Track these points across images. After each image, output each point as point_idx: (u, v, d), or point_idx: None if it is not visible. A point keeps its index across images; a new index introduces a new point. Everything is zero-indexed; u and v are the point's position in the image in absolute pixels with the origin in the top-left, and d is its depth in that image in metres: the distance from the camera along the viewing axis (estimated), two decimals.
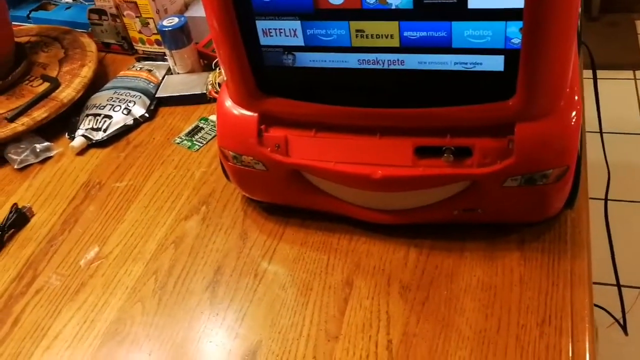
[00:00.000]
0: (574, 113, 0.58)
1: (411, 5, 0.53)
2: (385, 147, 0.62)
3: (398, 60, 0.57)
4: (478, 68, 0.55)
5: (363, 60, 0.58)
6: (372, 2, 0.53)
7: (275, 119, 0.64)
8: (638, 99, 2.08)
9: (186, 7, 1.08)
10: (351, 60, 0.58)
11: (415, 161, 0.61)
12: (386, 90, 0.60)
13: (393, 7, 0.53)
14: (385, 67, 0.58)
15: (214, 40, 0.61)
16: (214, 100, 0.95)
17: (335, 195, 0.69)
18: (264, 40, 0.59)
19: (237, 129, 0.66)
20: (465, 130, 0.59)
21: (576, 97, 0.59)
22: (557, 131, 0.58)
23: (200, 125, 0.92)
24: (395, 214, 0.67)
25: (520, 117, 0.57)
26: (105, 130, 0.92)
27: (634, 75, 2.15)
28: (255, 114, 0.65)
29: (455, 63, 0.56)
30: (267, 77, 0.62)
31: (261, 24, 0.58)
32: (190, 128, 0.91)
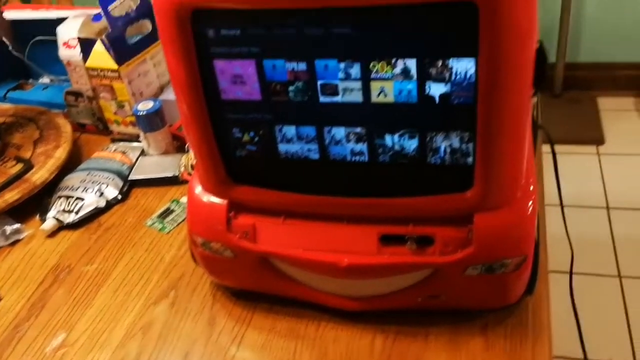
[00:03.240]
0: (530, 203, 0.61)
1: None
2: (351, 234, 0.64)
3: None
4: (438, 162, 0.58)
5: (329, 153, 0.60)
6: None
7: (244, 206, 0.66)
8: (601, 173, 2.15)
9: (161, 89, 1.11)
10: (317, 153, 0.61)
11: (380, 249, 0.63)
12: (351, 180, 0.62)
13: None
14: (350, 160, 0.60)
15: (184, 125, 0.63)
16: (187, 182, 0.96)
17: (303, 281, 0.70)
18: (233, 131, 0.61)
19: (206, 215, 0.67)
20: (427, 219, 0.62)
21: (531, 187, 0.62)
22: (514, 222, 0.60)
23: (172, 207, 0.93)
24: (361, 301, 0.68)
25: (479, 208, 0.59)
26: (77, 212, 0.92)
27: (597, 151, 2.23)
28: (225, 201, 0.66)
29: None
30: (236, 166, 0.64)
31: (230, 116, 0.60)
32: (161, 210, 0.92)
